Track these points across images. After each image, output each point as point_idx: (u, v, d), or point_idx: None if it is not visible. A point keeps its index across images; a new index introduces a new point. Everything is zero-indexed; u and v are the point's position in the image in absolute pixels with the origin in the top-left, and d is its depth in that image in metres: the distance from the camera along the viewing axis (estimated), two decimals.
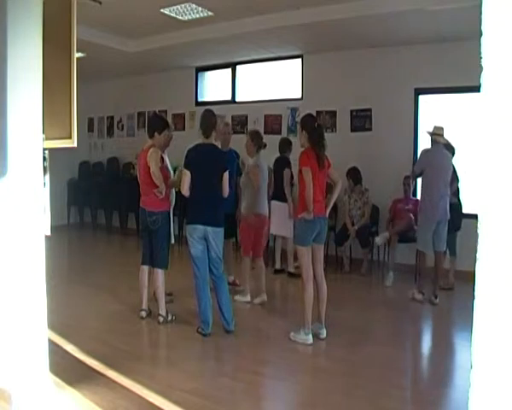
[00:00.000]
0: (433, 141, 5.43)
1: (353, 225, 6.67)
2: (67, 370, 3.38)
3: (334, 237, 6.81)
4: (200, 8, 5.99)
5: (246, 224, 5.29)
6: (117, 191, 9.41)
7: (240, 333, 4.30)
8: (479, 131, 1.27)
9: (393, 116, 6.89)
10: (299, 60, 7.77)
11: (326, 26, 6.11)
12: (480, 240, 1.26)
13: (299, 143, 4.35)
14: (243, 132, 8.08)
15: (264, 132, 7.76)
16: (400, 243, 6.18)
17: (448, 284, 5.87)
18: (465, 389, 1.33)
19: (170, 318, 4.55)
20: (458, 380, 3.50)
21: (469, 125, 6.09)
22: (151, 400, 3.07)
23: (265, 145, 5.39)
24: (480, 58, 1.24)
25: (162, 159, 4.55)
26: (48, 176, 3.00)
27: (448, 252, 5.95)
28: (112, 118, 10.26)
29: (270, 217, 6.39)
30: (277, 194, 6.16)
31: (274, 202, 6.24)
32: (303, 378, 3.64)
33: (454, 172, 5.80)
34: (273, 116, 8.04)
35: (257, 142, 5.28)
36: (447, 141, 5.46)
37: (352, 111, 7.30)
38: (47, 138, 2.93)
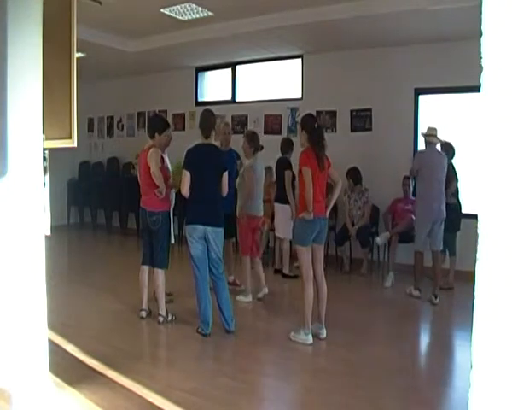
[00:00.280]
0: (426, 142, 5.49)
1: (353, 225, 6.67)
2: (67, 370, 3.38)
3: (334, 237, 6.81)
4: (200, 8, 5.99)
5: (240, 224, 5.34)
6: (117, 191, 9.41)
7: (240, 333, 4.30)
8: (479, 131, 1.27)
9: (393, 116, 6.89)
10: (299, 60, 7.77)
11: (326, 26, 6.11)
12: (480, 240, 1.26)
13: (299, 144, 4.35)
14: (243, 132, 8.08)
15: (264, 132, 7.80)
16: (400, 243, 6.18)
17: (448, 284, 5.87)
18: (465, 389, 1.33)
19: (170, 318, 4.55)
20: (458, 380, 3.50)
21: (469, 125, 6.10)
22: (151, 400, 3.07)
23: (262, 147, 5.39)
24: (480, 58, 1.24)
25: (162, 159, 4.55)
26: (48, 176, 3.00)
27: (448, 252, 5.96)
28: (112, 118, 10.26)
29: (274, 219, 6.44)
30: (280, 196, 6.15)
31: (277, 205, 6.23)
32: (303, 378, 3.64)
33: (453, 172, 5.83)
34: (273, 116, 8.05)
35: (253, 143, 5.29)
36: (441, 140, 5.52)
37: (352, 111, 7.30)
38: (47, 138, 2.93)
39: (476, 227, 1.27)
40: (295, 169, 5.10)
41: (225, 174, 4.22)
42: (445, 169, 5.46)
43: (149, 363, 3.87)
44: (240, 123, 8.33)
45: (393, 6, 5.38)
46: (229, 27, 6.46)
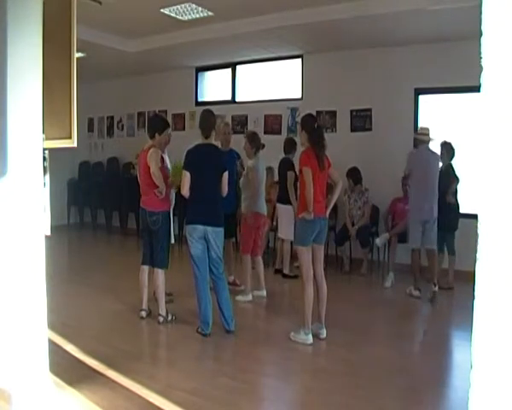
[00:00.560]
0: (419, 141, 5.58)
1: (353, 225, 6.67)
2: (67, 370, 3.38)
3: (334, 237, 6.81)
4: (200, 8, 5.99)
5: (245, 223, 5.34)
6: (117, 191, 9.41)
7: (240, 333, 4.30)
8: (479, 131, 1.27)
9: (393, 116, 6.89)
10: (299, 60, 7.77)
11: (326, 26, 6.11)
12: (480, 240, 1.26)
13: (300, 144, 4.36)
14: (243, 132, 8.08)
15: (264, 132, 7.79)
16: (400, 243, 6.18)
17: (448, 284, 5.88)
18: (465, 389, 1.33)
19: (170, 318, 4.55)
20: (458, 380, 3.50)
21: (469, 125, 6.10)
22: (151, 400, 3.07)
23: (263, 146, 5.41)
24: (480, 58, 1.24)
25: (162, 159, 4.55)
26: (48, 176, 3.00)
27: (447, 251, 5.97)
28: (112, 118, 10.26)
29: (277, 220, 6.44)
30: (282, 196, 6.15)
31: (279, 205, 6.23)
32: (303, 378, 3.64)
33: (453, 172, 5.85)
34: (273, 116, 8.05)
35: (254, 144, 5.31)
36: (432, 139, 5.56)
37: (352, 111, 7.30)
38: (47, 138, 2.93)
39: (476, 227, 1.27)
40: (298, 169, 5.12)
41: (225, 174, 4.23)
42: (438, 168, 5.54)
43: (149, 363, 3.87)
44: (240, 123, 8.33)
45: (393, 6, 5.38)
46: (229, 27, 6.46)
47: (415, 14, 5.43)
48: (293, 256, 6.07)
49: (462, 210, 5.92)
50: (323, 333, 4.21)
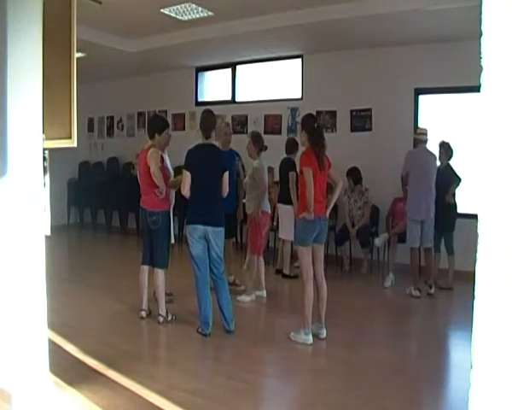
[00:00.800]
0: (417, 141, 5.66)
1: (353, 225, 6.66)
2: (67, 370, 3.38)
3: (334, 237, 6.81)
4: (200, 8, 5.99)
5: (254, 223, 5.34)
6: (117, 191, 9.41)
7: (240, 333, 4.30)
8: (479, 131, 1.27)
9: (393, 116, 6.89)
10: (299, 60, 7.77)
11: (326, 26, 6.11)
12: (479, 240, 1.26)
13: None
14: (243, 132, 8.08)
15: (265, 132, 7.78)
16: (400, 244, 6.18)
17: (448, 284, 5.88)
18: (465, 389, 1.33)
19: (170, 318, 4.55)
20: (458, 380, 3.49)
21: (469, 125, 6.10)
22: (151, 400, 3.07)
23: (266, 147, 5.42)
24: (480, 58, 1.24)
25: (162, 159, 4.55)
26: (48, 176, 3.00)
27: (446, 252, 5.98)
28: (112, 118, 10.26)
29: (277, 220, 6.44)
30: (283, 197, 6.15)
31: (280, 205, 6.23)
32: (303, 378, 3.64)
33: (453, 173, 5.87)
34: (273, 116, 8.04)
35: (258, 144, 5.33)
36: (427, 139, 5.60)
37: (352, 111, 7.30)
38: (47, 138, 2.93)
39: (476, 227, 1.27)
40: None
41: (226, 174, 4.23)
42: (435, 168, 5.58)
43: (149, 363, 3.87)
44: (240, 123, 8.33)
45: (393, 6, 5.38)
46: (229, 27, 6.46)
47: (415, 14, 5.43)
48: (294, 256, 6.07)
49: (462, 210, 5.93)
50: (323, 333, 4.21)
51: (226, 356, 4.10)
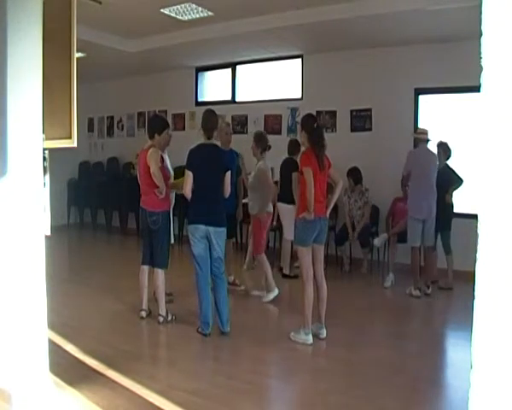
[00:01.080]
0: (418, 140, 5.67)
1: (353, 225, 6.66)
2: (67, 370, 3.38)
3: (334, 237, 6.81)
4: (200, 8, 5.99)
5: (259, 224, 5.34)
6: (117, 191, 9.41)
7: (240, 333, 4.30)
8: (479, 131, 1.27)
9: (393, 116, 6.89)
10: (299, 60, 7.77)
11: (326, 26, 6.10)
12: (480, 240, 1.26)
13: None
14: (243, 132, 8.10)
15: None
16: (400, 243, 6.18)
17: (447, 284, 5.88)
18: (465, 389, 1.33)
19: (170, 318, 4.55)
20: (458, 380, 3.48)
21: (469, 125, 6.10)
22: (151, 400, 3.07)
23: (270, 147, 5.42)
24: (480, 58, 1.24)
25: (162, 159, 4.55)
26: (48, 176, 3.00)
27: (444, 251, 5.98)
28: (112, 118, 10.26)
29: (278, 219, 6.45)
30: (284, 196, 6.15)
31: (280, 205, 6.23)
32: (303, 378, 3.64)
33: (454, 173, 5.88)
34: (273, 116, 8.04)
35: (261, 144, 5.33)
36: (429, 139, 5.63)
37: (352, 111, 7.30)
38: (47, 138, 2.93)
39: (476, 227, 1.27)
40: None
41: (228, 174, 4.22)
42: (436, 168, 5.59)
43: (149, 363, 3.87)
44: (240, 123, 8.33)
45: (393, 6, 5.38)
46: (229, 27, 6.46)
47: (415, 14, 5.42)
48: (294, 256, 6.07)
49: (462, 210, 5.95)
50: (323, 333, 4.21)
51: (226, 356, 4.10)
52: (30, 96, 2.81)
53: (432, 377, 3.55)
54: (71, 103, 3.02)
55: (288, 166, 6.12)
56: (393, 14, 5.50)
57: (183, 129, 8.97)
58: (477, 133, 1.29)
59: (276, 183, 6.68)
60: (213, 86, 8.95)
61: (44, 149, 2.94)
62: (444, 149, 5.87)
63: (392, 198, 6.57)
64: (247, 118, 8.31)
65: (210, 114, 4.39)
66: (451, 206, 5.93)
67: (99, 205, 9.96)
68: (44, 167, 2.95)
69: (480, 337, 1.27)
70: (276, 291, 5.34)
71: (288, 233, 6.20)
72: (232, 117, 8.32)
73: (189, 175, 4.14)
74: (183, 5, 5.88)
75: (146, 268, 4.66)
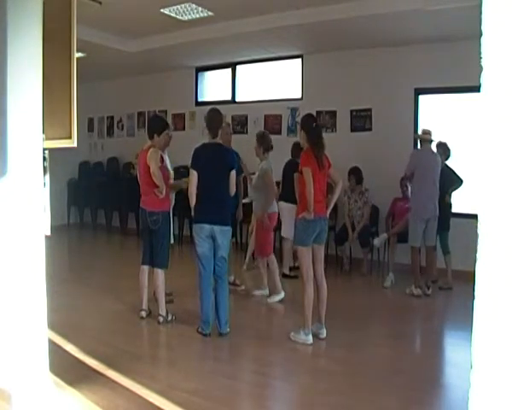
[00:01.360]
0: (421, 141, 5.69)
1: (353, 225, 6.66)
2: (67, 370, 3.38)
3: (334, 236, 6.81)
4: (200, 8, 5.99)
5: (262, 225, 5.35)
6: (117, 191, 9.41)
7: (240, 333, 4.30)
8: (479, 131, 1.27)
9: (393, 116, 6.89)
10: (299, 60, 7.77)
11: (326, 26, 6.11)
12: (480, 240, 1.26)
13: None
14: (243, 132, 8.09)
15: None
16: (400, 243, 6.18)
17: (447, 284, 5.88)
18: (465, 389, 1.33)
19: (170, 318, 4.55)
20: (458, 380, 3.48)
21: (469, 125, 6.10)
22: (151, 400, 3.07)
23: (272, 147, 5.41)
24: (480, 58, 1.24)
25: (162, 159, 4.55)
26: (48, 176, 2.99)
27: (441, 251, 5.99)
28: (112, 118, 10.26)
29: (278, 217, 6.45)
30: (285, 195, 6.15)
31: (282, 203, 6.24)
32: (303, 378, 3.64)
33: (454, 173, 5.88)
34: (273, 116, 8.05)
35: (263, 144, 5.33)
36: (433, 140, 5.65)
37: (352, 111, 7.30)
38: (47, 138, 2.93)
39: (476, 227, 1.27)
40: None
41: (233, 173, 4.22)
42: (439, 168, 5.60)
43: (149, 363, 3.87)
44: (240, 123, 8.33)
45: (393, 6, 5.39)
46: (229, 27, 6.46)
47: (414, 14, 5.42)
48: (294, 256, 6.07)
49: (462, 210, 5.96)
50: (323, 333, 4.21)
51: (226, 356, 4.10)
52: (30, 96, 2.81)
53: (432, 377, 3.55)
54: (71, 103, 3.02)
55: (291, 168, 6.13)
56: (393, 14, 5.50)
57: (183, 129, 8.98)
58: (477, 133, 1.29)
59: (277, 183, 6.69)
60: (213, 86, 8.95)
61: (44, 149, 2.94)
62: (443, 149, 5.88)
63: (392, 198, 6.57)
64: (247, 118, 8.31)
65: (215, 113, 4.39)
66: (450, 206, 5.95)
67: (99, 205, 9.96)
68: (44, 167, 2.94)
69: (480, 337, 1.27)
70: (282, 294, 5.33)
71: (286, 231, 6.20)
72: (232, 117, 8.31)
73: (193, 175, 4.14)
74: (183, 5, 5.88)
75: (146, 268, 4.66)
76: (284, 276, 6.36)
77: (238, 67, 8.44)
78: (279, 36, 6.63)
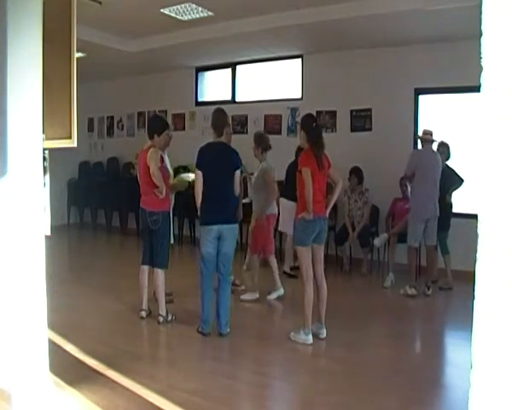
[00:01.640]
0: (423, 141, 5.68)
1: (353, 225, 6.66)
2: (67, 370, 3.38)
3: (334, 236, 6.81)
4: (200, 8, 5.99)
5: (259, 225, 5.33)
6: (117, 191, 9.41)
7: (240, 333, 4.30)
8: (479, 131, 1.27)
9: (393, 116, 6.89)
10: (299, 60, 7.77)
11: (326, 26, 6.10)
12: (480, 240, 1.26)
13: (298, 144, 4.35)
14: (243, 132, 8.09)
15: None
16: (400, 243, 6.18)
17: (447, 284, 5.88)
18: (465, 389, 1.33)
19: (170, 318, 4.55)
20: (458, 380, 3.48)
21: (469, 125, 6.10)
22: (151, 400, 3.07)
23: (270, 147, 5.41)
24: (480, 58, 1.24)
25: (162, 159, 4.55)
26: (48, 176, 2.99)
27: (440, 251, 5.99)
28: (112, 118, 10.26)
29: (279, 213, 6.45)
30: (286, 192, 6.16)
31: (283, 200, 6.25)
32: (303, 378, 3.63)
33: (455, 173, 5.89)
34: (273, 116, 8.05)
35: (261, 144, 5.32)
36: (435, 140, 5.66)
37: (352, 111, 7.30)
38: (47, 138, 2.93)
39: (476, 227, 1.27)
40: None
41: (237, 172, 4.23)
42: (440, 168, 5.60)
43: (149, 363, 3.87)
44: (240, 123, 8.33)
45: (393, 6, 5.38)
46: (229, 27, 6.46)
47: (414, 14, 5.42)
48: (294, 256, 6.07)
49: (462, 210, 5.96)
50: (323, 333, 4.21)
51: (226, 356, 4.10)
52: (30, 96, 2.81)
53: (432, 377, 3.55)
54: (71, 103, 3.02)
55: (295, 168, 6.13)
56: (393, 14, 5.50)
57: (183, 129, 8.98)
58: (477, 133, 1.29)
59: (278, 182, 6.69)
60: (213, 86, 8.95)
61: (44, 149, 2.94)
62: (444, 149, 5.88)
63: (392, 198, 6.57)
64: (247, 118, 8.31)
65: (220, 112, 4.40)
66: (451, 206, 5.95)
67: (99, 205, 9.96)
68: (44, 167, 2.94)
69: (480, 337, 1.27)
70: (281, 290, 5.37)
71: (286, 227, 6.19)
72: (232, 117, 8.28)
73: (199, 175, 4.13)
74: (183, 5, 5.88)
75: (146, 268, 4.66)
76: (284, 273, 6.37)
77: (238, 67, 8.44)
78: (279, 36, 6.63)
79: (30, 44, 2.79)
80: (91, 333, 4.26)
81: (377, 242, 6.39)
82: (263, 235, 5.37)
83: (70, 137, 3.06)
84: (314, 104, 7.23)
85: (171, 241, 4.84)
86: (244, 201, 5.83)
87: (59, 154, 3.25)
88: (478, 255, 1.26)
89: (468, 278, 1.89)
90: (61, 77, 3.00)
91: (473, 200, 5.83)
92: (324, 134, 4.39)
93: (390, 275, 6.09)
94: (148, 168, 4.39)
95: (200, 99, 9.02)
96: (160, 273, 4.53)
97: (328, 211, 4.24)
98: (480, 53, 1.24)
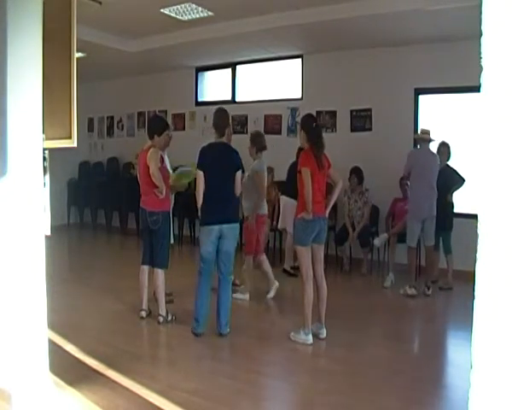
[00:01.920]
0: (420, 140, 5.70)
1: (353, 225, 6.67)
2: (67, 370, 3.38)
3: (334, 236, 6.81)
4: (200, 8, 5.99)
5: (249, 226, 5.34)
6: (117, 191, 9.41)
7: (240, 333, 4.30)
8: (479, 131, 1.27)
9: (393, 116, 6.89)
10: (299, 60, 7.77)
11: (326, 26, 6.11)
12: (480, 240, 1.26)
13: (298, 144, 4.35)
14: (243, 132, 8.09)
15: (265, 132, 7.76)
16: (400, 243, 6.18)
17: (447, 284, 5.88)
18: (465, 389, 1.33)
19: (170, 318, 4.55)
20: (458, 380, 3.49)
21: (469, 125, 6.10)
22: (151, 400, 3.07)
23: (265, 147, 5.40)
24: (480, 58, 1.24)
25: (162, 159, 4.55)
26: (48, 176, 2.99)
27: (443, 252, 5.99)
28: (112, 118, 10.26)
29: (277, 219, 6.44)
30: (287, 190, 6.16)
31: (283, 197, 6.24)
32: (303, 378, 3.64)
33: (456, 173, 5.89)
34: (273, 116, 8.05)
35: (256, 144, 5.31)
36: (432, 139, 5.66)
37: (352, 111, 7.30)
38: (47, 138, 2.93)
39: (476, 227, 1.27)
40: None
41: (239, 173, 4.22)
42: (437, 169, 5.60)
43: (149, 363, 3.87)
44: (240, 123, 8.33)
45: (393, 6, 5.39)
46: (229, 27, 6.46)
47: (414, 14, 5.43)
48: (294, 256, 6.07)
49: (462, 210, 5.96)
50: (323, 333, 4.21)
51: (226, 356, 4.10)
52: (30, 96, 2.81)
53: (432, 377, 3.55)
54: (71, 103, 3.02)
55: (295, 168, 6.13)
56: (393, 14, 5.50)
57: (183, 129, 8.98)
58: (477, 133, 1.29)
59: (277, 183, 6.69)
60: (213, 86, 8.95)
61: (44, 149, 2.94)
62: (445, 149, 5.88)
63: (392, 198, 6.57)
64: (247, 118, 8.31)
65: (222, 112, 4.39)
66: (452, 206, 5.95)
67: (99, 205, 9.96)
68: (44, 167, 2.95)
69: (480, 337, 1.27)
70: (275, 283, 5.39)
71: (287, 224, 6.19)
72: (232, 117, 8.23)
73: (200, 175, 4.12)
74: (183, 5, 5.88)
75: (146, 268, 4.66)
76: (284, 271, 6.37)
77: (238, 67, 8.44)
78: (279, 36, 6.63)
79: (30, 44, 2.79)
80: (91, 333, 4.26)
81: (377, 242, 6.39)
82: (255, 235, 5.36)
83: (70, 137, 3.06)
84: (314, 104, 7.23)
85: (171, 241, 4.84)
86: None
87: (59, 154, 3.25)
88: (478, 255, 1.26)
89: (468, 278, 1.89)
90: (61, 77, 3.00)
91: (473, 200, 5.84)
92: (324, 134, 4.39)
93: (390, 275, 6.09)
94: (148, 168, 4.38)
95: (200, 99, 9.02)
96: (160, 273, 4.53)
97: (327, 211, 4.24)
98: (480, 53, 1.24)
